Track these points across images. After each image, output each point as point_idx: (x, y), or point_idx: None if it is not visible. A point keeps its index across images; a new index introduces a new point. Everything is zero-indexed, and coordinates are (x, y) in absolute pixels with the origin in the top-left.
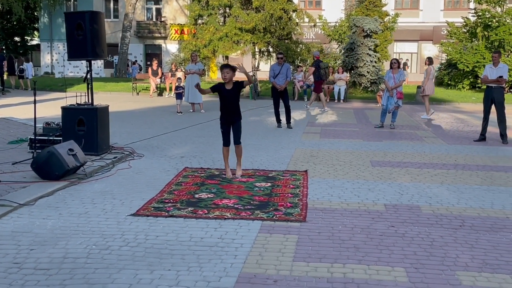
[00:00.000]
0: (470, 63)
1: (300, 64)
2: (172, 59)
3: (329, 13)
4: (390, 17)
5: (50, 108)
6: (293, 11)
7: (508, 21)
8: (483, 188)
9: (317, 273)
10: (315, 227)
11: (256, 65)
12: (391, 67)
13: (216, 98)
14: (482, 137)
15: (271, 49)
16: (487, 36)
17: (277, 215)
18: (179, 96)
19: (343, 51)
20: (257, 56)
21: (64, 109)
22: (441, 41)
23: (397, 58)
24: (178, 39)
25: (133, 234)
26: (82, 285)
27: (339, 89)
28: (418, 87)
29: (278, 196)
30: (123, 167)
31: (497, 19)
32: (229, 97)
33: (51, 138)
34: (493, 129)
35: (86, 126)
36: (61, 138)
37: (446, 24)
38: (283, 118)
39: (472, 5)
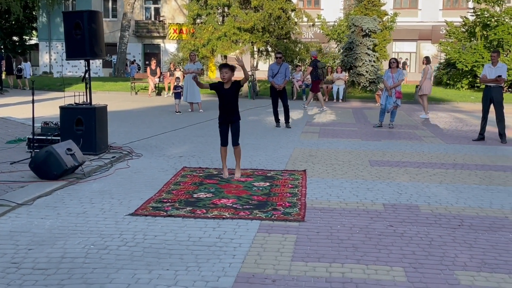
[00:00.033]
0: (469, 62)
1: (298, 64)
2: (170, 59)
3: (328, 12)
4: (389, 17)
5: (49, 107)
6: (292, 10)
7: (507, 20)
8: (481, 188)
9: (315, 272)
10: (313, 227)
11: (255, 65)
12: (390, 67)
13: (215, 97)
14: (481, 137)
15: (269, 49)
16: (486, 35)
17: (276, 215)
18: (177, 95)
19: (341, 50)
20: (255, 56)
21: (62, 108)
22: (440, 41)
23: (396, 57)
24: (177, 38)
25: (132, 233)
26: (80, 285)
27: (338, 88)
28: (417, 86)
29: (277, 196)
30: (122, 167)
31: (496, 18)
32: (227, 96)
33: (49, 137)
34: (492, 128)
35: (84, 126)
36: (59, 138)
37: (445, 23)
38: (281, 117)
39: (471, 4)
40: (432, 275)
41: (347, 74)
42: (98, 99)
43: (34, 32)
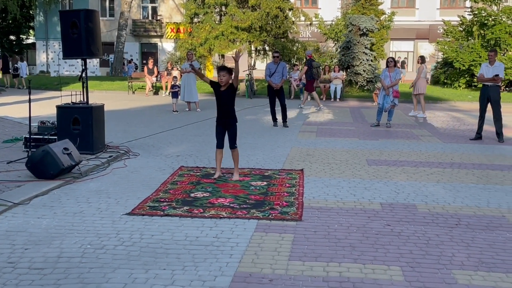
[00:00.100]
0: (466, 61)
1: (296, 63)
2: (168, 58)
3: (325, 11)
4: (386, 16)
5: (45, 107)
6: (289, 9)
7: (504, 19)
8: (479, 187)
9: (312, 272)
10: (311, 226)
11: (252, 64)
12: (387, 66)
13: (212, 97)
14: (478, 136)
15: (267, 48)
16: (483, 34)
17: (273, 214)
18: (175, 95)
19: (339, 49)
20: (253, 55)
21: (59, 108)
22: (437, 40)
23: (393, 56)
24: (174, 37)
25: (128, 233)
26: (76, 285)
27: (335, 87)
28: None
29: (274, 195)
30: (119, 166)
31: (493, 17)
32: (222, 97)
33: (46, 137)
34: (489, 127)
35: (81, 125)
36: (56, 137)
37: (442, 22)
38: (279, 117)
39: (468, 3)
40: (429, 274)
41: (344, 73)
42: (95, 98)
43: (31, 31)
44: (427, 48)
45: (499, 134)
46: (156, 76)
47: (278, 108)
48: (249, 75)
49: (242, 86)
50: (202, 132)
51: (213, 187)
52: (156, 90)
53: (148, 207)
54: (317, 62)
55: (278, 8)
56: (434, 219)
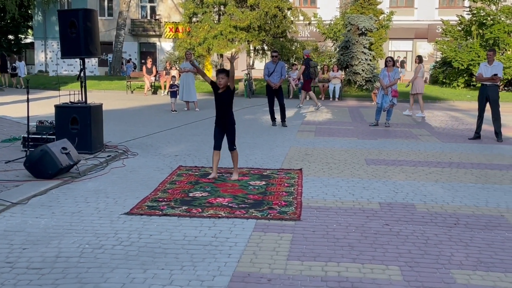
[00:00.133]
0: (465, 61)
1: (295, 63)
2: (166, 57)
3: (324, 11)
4: (385, 15)
5: (44, 106)
6: (288, 9)
7: (502, 19)
8: (477, 186)
9: (311, 271)
10: (309, 226)
11: (251, 63)
12: (386, 65)
13: (211, 96)
14: (477, 135)
15: (266, 47)
16: (482, 34)
17: (272, 214)
18: (173, 94)
19: (338, 49)
20: (252, 54)
21: (57, 107)
22: (436, 39)
23: (392, 56)
24: (173, 37)
25: (127, 233)
26: (74, 284)
27: (334, 87)
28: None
29: (273, 195)
30: (117, 166)
31: (491, 17)
32: (220, 99)
33: (45, 136)
34: (487, 127)
35: (79, 125)
36: (54, 137)
37: (441, 22)
38: (277, 116)
39: (467, 3)
40: (428, 274)
41: (343, 72)
42: (93, 98)
43: (29, 30)
44: (425, 48)
45: (497, 133)
46: (155, 76)
47: (276, 108)
48: (248, 75)
49: (241, 86)
50: (200, 132)
51: (211, 187)
52: (155, 89)
53: (146, 207)
54: (315, 61)
55: (276, 8)
56: (433, 219)
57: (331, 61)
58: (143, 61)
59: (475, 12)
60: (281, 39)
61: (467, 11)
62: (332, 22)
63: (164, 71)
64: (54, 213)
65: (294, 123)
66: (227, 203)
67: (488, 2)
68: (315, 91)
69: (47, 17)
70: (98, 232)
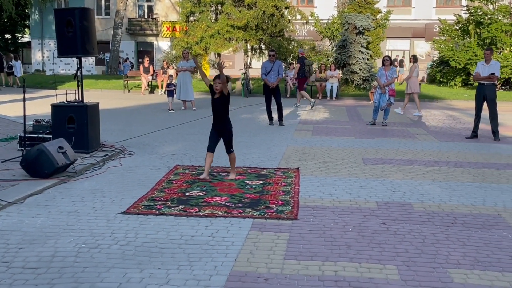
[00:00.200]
0: (462, 60)
1: (292, 62)
2: (163, 57)
3: (322, 10)
4: (383, 14)
5: (41, 105)
6: (285, 8)
7: (500, 18)
8: (475, 185)
9: (308, 271)
10: (306, 225)
11: (248, 63)
12: (383, 64)
13: (208, 95)
14: (474, 134)
15: (263, 46)
16: (479, 33)
17: (269, 213)
18: (170, 93)
19: (335, 48)
20: (249, 53)
21: (54, 106)
22: (433, 39)
23: (389, 55)
24: (170, 36)
25: (123, 232)
26: (70, 284)
27: (331, 86)
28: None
29: (270, 194)
30: (114, 165)
31: (489, 16)
32: (215, 104)
33: (41, 135)
34: (485, 126)
35: (76, 124)
36: (51, 136)
37: (438, 21)
38: (275, 115)
39: (464, 2)
40: (425, 273)
41: (340, 72)
42: (90, 97)
43: (26, 29)
44: (423, 47)
45: (495, 132)
46: (152, 75)
47: (274, 107)
48: (245, 74)
49: (238, 85)
50: (197, 131)
51: (208, 186)
52: (152, 88)
53: (143, 206)
54: (309, 60)
55: (274, 7)
56: (430, 218)
57: (328, 60)
58: (140, 60)
59: (472, 11)
60: (278, 38)
61: (464, 10)
62: (329, 21)
63: (161, 70)
64: (51, 213)
65: (292, 122)
66: (224, 202)
67: (485, 1)
68: (312, 90)
69: (44, 16)
70: (94, 232)
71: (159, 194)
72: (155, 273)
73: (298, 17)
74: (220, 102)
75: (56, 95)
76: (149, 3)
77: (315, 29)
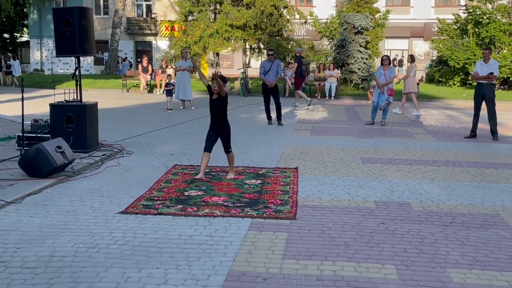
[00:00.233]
0: (461, 59)
1: (291, 61)
2: (162, 56)
3: (320, 9)
4: (381, 14)
5: (39, 105)
6: (284, 7)
7: (498, 17)
8: (473, 185)
9: (307, 270)
10: (305, 225)
11: (247, 62)
12: (382, 64)
13: (207, 95)
14: (473, 134)
15: (262, 46)
16: (477, 33)
17: (267, 213)
18: (169, 93)
19: (334, 47)
20: (247, 53)
21: (52, 106)
22: (432, 38)
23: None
24: (169, 35)
25: (122, 232)
26: (69, 284)
27: (330, 86)
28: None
29: (268, 194)
30: (112, 165)
31: (487, 15)
32: (213, 105)
33: (39, 135)
34: (483, 125)
35: (74, 123)
36: (49, 136)
37: (437, 21)
38: (273, 115)
39: (463, 2)
40: (424, 272)
41: (339, 71)
42: (89, 96)
43: (25, 29)
44: (422, 46)
45: (493, 132)
46: (151, 74)
47: (272, 106)
48: (244, 73)
49: (237, 84)
50: (196, 131)
51: (207, 186)
52: (151, 88)
53: (141, 206)
54: (307, 59)
55: (272, 6)
56: (429, 217)
57: (327, 59)
58: (139, 59)
59: (471, 10)
60: (277, 37)
61: (463, 9)
62: (328, 20)
63: (160, 70)
64: (49, 212)
65: (290, 122)
66: (222, 202)
67: (484, 1)
68: (311, 89)
69: (42, 16)
70: (92, 231)
71: (158, 193)
72: (153, 272)
73: (297, 16)
74: (218, 103)
75: (54, 94)
76: (148, 3)
77: (314, 28)
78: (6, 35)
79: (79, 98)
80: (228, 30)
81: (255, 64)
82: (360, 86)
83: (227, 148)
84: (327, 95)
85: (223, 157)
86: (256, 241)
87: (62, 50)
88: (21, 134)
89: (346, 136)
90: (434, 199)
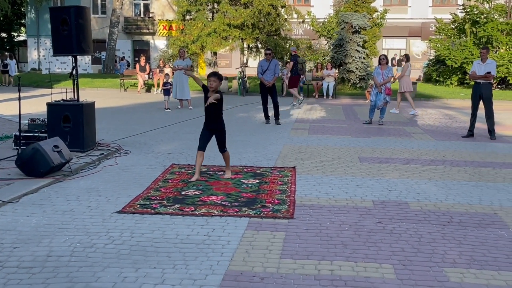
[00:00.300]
0: (458, 59)
1: (288, 60)
2: (160, 55)
3: (318, 9)
4: (379, 13)
5: (36, 104)
6: (282, 7)
7: (496, 17)
8: (471, 184)
9: (304, 270)
10: (302, 224)
11: (245, 61)
12: (379, 63)
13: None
14: (470, 133)
15: (259, 45)
16: (475, 32)
17: (265, 212)
18: (167, 92)
19: (331, 47)
20: (245, 52)
21: (49, 105)
22: (430, 37)
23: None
24: (166, 35)
25: (119, 231)
26: (65, 284)
27: (328, 85)
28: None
29: (266, 193)
30: (109, 164)
31: (485, 15)
32: (209, 104)
33: (36, 134)
34: (481, 125)
35: (71, 123)
36: (46, 135)
37: (434, 20)
38: (271, 114)
39: (460, 1)
40: (421, 272)
41: (337, 70)
42: (87, 95)
43: (22, 28)
44: (419, 46)
45: (491, 131)
46: (148, 74)
47: (270, 106)
48: (242, 73)
49: (234, 84)
50: (194, 130)
51: (204, 185)
52: (148, 87)
53: (138, 205)
54: (302, 58)
55: (270, 6)
56: (426, 217)
57: (324, 59)
58: (136, 59)
59: (468, 10)
60: (274, 37)
61: (460, 9)
62: (325, 20)
63: (158, 69)
64: (46, 212)
65: (288, 121)
66: (220, 201)
67: (481, 0)
68: (309, 89)
69: (40, 15)
70: (89, 231)
71: (155, 193)
72: (150, 272)
73: (295, 16)
74: (212, 103)
75: (51, 94)
76: (146, 2)
77: (311, 28)
78: (3, 34)
79: (76, 97)
80: (226, 29)
81: (253, 64)
82: (357, 86)
83: (222, 147)
84: (324, 94)
85: (220, 157)
86: (254, 240)
87: (59, 49)
88: (18, 134)
89: (343, 136)
90: (431, 198)
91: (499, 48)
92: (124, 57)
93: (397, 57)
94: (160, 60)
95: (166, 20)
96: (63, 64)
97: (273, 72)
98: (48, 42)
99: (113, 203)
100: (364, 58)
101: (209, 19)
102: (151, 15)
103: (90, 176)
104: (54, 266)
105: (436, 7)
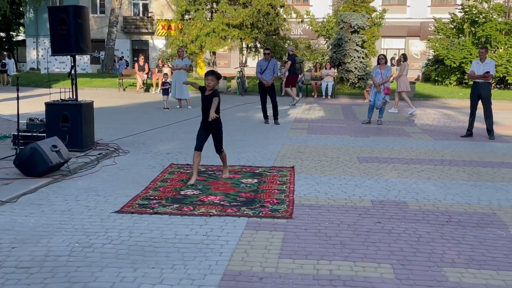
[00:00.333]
0: (457, 59)
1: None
2: (159, 55)
3: (317, 8)
4: (378, 13)
5: (35, 104)
6: (281, 6)
7: (494, 17)
8: (469, 184)
9: (303, 270)
10: (301, 224)
11: (244, 61)
12: (378, 63)
13: None
14: (469, 133)
15: (258, 45)
16: (474, 32)
17: (263, 212)
18: (165, 92)
19: (330, 47)
20: (244, 52)
21: (47, 105)
22: (428, 37)
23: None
24: (165, 34)
25: (117, 231)
26: (63, 284)
27: (327, 85)
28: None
29: (265, 193)
30: (108, 164)
31: (484, 15)
32: (205, 102)
33: (35, 134)
34: (480, 124)
35: (70, 122)
36: (44, 135)
37: (433, 20)
38: (270, 114)
39: (459, 1)
40: (420, 272)
41: (336, 70)
42: (85, 95)
43: (21, 28)
44: (418, 46)
45: (489, 131)
46: (147, 73)
47: (269, 105)
48: (241, 72)
49: (233, 84)
50: (192, 130)
51: (203, 185)
52: (147, 87)
53: (137, 205)
54: (299, 57)
55: (269, 5)
56: (425, 216)
57: (323, 58)
58: (135, 58)
59: (467, 10)
60: (273, 36)
61: (459, 9)
62: (324, 19)
63: (157, 69)
64: (44, 212)
65: (287, 121)
66: (218, 201)
67: (480, 0)
68: (308, 88)
69: (38, 15)
70: (88, 231)
71: (154, 193)
72: (149, 272)
73: (294, 15)
74: (209, 100)
75: (50, 93)
76: (144, 2)
77: (310, 27)
78: (2, 34)
79: (75, 97)
80: (224, 29)
81: (252, 63)
82: (356, 85)
83: (219, 148)
84: (323, 94)
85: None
86: (252, 240)
87: (57, 49)
88: (16, 133)
89: (342, 135)
90: (430, 198)
91: (497, 47)
92: (123, 56)
93: (397, 57)
94: (159, 59)
95: (165, 19)
96: (61, 64)
97: (272, 71)
98: (46, 41)
99: (111, 203)
100: (363, 57)
101: (208, 19)
102: (150, 14)
103: (88, 176)
104: (52, 266)
105: (435, 7)
